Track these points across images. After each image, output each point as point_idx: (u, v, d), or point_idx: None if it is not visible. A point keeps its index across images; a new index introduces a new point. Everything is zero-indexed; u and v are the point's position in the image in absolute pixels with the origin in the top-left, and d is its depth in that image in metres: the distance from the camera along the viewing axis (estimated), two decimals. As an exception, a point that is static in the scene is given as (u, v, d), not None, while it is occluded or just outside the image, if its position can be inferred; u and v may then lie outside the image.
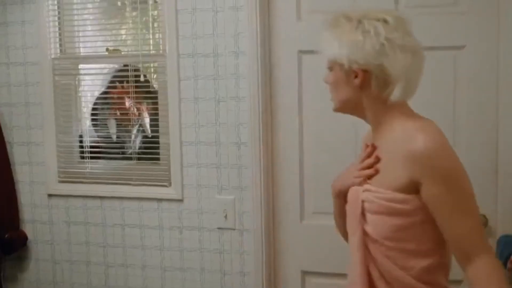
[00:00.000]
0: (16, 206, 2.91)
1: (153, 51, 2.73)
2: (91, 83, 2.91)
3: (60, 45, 2.84)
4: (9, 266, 2.97)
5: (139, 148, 2.84)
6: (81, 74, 2.88)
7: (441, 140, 1.47)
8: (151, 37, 2.77)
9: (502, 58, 2.25)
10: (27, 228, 2.93)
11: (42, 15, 2.79)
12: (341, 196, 1.68)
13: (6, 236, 2.84)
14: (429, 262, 1.51)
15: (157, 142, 2.72)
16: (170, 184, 2.68)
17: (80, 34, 2.85)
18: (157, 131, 2.72)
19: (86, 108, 2.91)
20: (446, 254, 1.53)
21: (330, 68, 1.61)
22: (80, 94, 2.89)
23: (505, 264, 1.96)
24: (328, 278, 2.51)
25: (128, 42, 2.81)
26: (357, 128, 2.42)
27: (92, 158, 2.86)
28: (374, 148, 1.59)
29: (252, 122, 2.49)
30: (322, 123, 2.48)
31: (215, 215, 2.61)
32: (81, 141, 2.88)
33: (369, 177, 1.56)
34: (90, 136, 2.89)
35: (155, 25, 2.74)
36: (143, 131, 2.86)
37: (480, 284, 1.42)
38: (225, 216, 2.58)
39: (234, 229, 2.58)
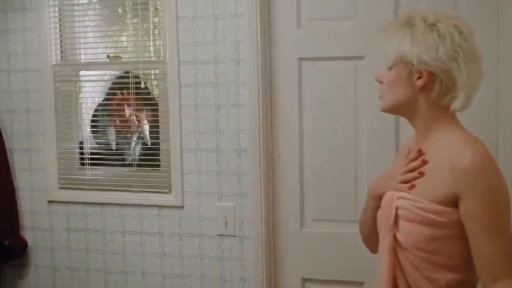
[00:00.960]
0: (16, 212, 2.91)
1: (154, 58, 2.74)
2: (92, 90, 2.91)
3: (61, 51, 2.85)
4: (9, 273, 2.96)
5: (140, 155, 2.84)
6: (81, 81, 2.89)
7: (488, 157, 1.46)
8: (151, 44, 2.78)
9: (502, 61, 2.25)
10: (27, 235, 2.93)
11: (43, 22, 2.80)
12: (379, 200, 1.65)
13: (6, 242, 2.84)
14: (456, 277, 1.50)
15: (158, 149, 2.73)
16: (170, 191, 2.68)
17: (81, 40, 2.86)
18: (157, 138, 2.72)
19: (87, 115, 2.91)
20: (475, 273, 1.50)
21: (390, 67, 1.58)
22: (80, 101, 2.89)
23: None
24: (328, 285, 2.51)
25: (129, 49, 2.81)
26: (357, 136, 2.43)
27: (92, 164, 2.86)
28: (420, 153, 1.57)
29: (253, 129, 2.50)
30: (322, 130, 2.48)
31: (215, 222, 2.60)
32: (81, 148, 2.88)
33: (413, 180, 1.54)
34: (90, 142, 2.89)
35: (156, 32, 2.75)
36: (143, 138, 2.86)
37: None
38: (225, 223, 2.58)
39: (234, 236, 2.58)
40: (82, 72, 2.88)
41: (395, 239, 1.54)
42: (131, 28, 2.82)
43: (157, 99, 2.75)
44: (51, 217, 2.89)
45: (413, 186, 1.53)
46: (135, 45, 2.77)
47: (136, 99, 2.77)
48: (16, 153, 2.91)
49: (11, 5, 2.84)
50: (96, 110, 2.91)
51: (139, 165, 2.81)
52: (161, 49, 2.69)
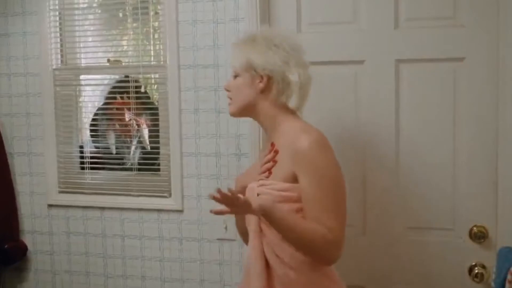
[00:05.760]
0: (16, 216, 2.90)
1: (154, 62, 2.74)
2: (92, 94, 2.91)
3: (61, 56, 2.85)
4: (9, 277, 2.96)
5: (139, 159, 2.84)
6: (82, 85, 2.88)
7: (321, 143, 1.76)
8: (152, 48, 2.78)
9: (502, 70, 2.24)
10: (27, 239, 2.93)
11: (44, 26, 2.80)
12: (244, 192, 1.88)
13: (6, 246, 2.83)
14: None
15: (157, 153, 2.73)
16: (170, 195, 2.68)
17: (81, 45, 2.86)
18: (157, 142, 2.72)
19: (87, 119, 2.91)
20: None
21: (236, 76, 1.89)
22: (80, 105, 2.89)
23: (505, 276, 1.96)
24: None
25: (129, 53, 2.82)
26: (358, 140, 2.43)
27: (92, 168, 2.86)
28: (273, 145, 1.85)
29: (252, 133, 2.49)
30: (322, 135, 2.47)
31: (215, 226, 2.60)
32: (81, 152, 2.88)
33: (270, 168, 1.82)
34: (90, 146, 2.89)
35: (156, 36, 2.75)
36: (142, 142, 2.86)
37: (308, 224, 1.71)
38: (225, 227, 2.58)
39: (234, 240, 2.57)
40: (82, 76, 2.88)
41: (262, 220, 1.78)
42: (131, 32, 2.82)
43: (157, 104, 2.75)
44: (51, 221, 2.89)
45: (270, 174, 1.82)
46: (135, 49, 2.77)
47: (136, 103, 2.77)
48: (16, 157, 2.92)
49: (12, 9, 2.85)
50: (96, 114, 2.91)
51: (139, 169, 2.81)
52: (161, 53, 2.70)
